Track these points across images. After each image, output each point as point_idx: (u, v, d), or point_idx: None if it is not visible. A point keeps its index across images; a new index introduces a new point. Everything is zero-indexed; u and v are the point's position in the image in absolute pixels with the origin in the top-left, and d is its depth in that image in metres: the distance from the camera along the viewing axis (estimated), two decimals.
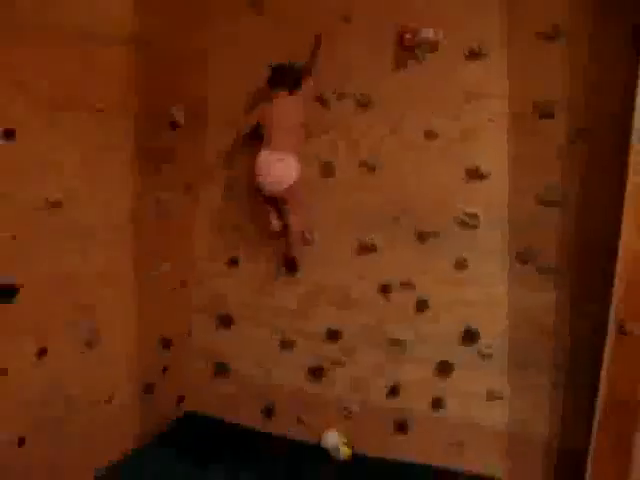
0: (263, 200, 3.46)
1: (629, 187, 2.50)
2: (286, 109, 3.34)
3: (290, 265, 3.63)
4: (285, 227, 3.47)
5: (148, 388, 3.54)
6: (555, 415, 3.21)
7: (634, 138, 2.48)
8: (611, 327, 2.57)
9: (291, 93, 3.35)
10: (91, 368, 3.10)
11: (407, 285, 3.40)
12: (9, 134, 2.51)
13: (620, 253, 2.52)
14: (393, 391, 3.49)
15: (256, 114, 3.47)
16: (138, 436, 3.52)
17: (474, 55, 3.19)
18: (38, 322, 2.76)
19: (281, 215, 3.48)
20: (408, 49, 3.27)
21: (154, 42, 3.25)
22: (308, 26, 3.42)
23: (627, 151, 2.52)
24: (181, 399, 3.92)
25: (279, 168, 3.30)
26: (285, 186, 3.32)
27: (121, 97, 3.08)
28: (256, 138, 3.42)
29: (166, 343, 3.67)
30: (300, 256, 3.61)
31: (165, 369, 3.70)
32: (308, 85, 3.37)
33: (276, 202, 3.45)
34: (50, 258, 2.79)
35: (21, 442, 2.70)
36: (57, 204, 2.78)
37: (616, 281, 2.54)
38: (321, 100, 3.46)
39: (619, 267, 2.53)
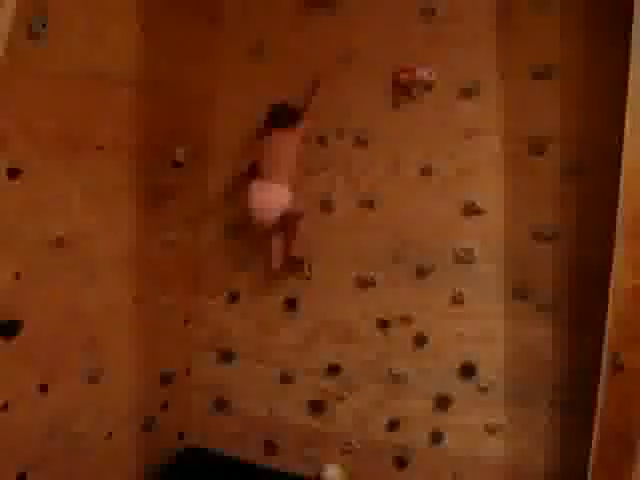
0: (261, 232, 3.55)
1: (619, 222, 2.53)
2: (279, 143, 3.44)
3: (291, 263, 3.64)
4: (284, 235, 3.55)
5: (149, 423, 3.55)
6: (554, 448, 3.21)
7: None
8: (605, 360, 2.59)
9: (286, 129, 3.43)
10: (93, 403, 3.11)
11: (406, 320, 3.43)
12: (14, 172, 2.56)
13: (612, 287, 2.55)
14: (393, 425, 3.50)
15: (253, 152, 3.56)
16: (139, 471, 3.51)
17: (469, 93, 3.27)
18: (41, 357, 2.78)
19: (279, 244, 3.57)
20: (404, 88, 3.36)
21: (158, 83, 3.33)
22: (308, 67, 3.54)
23: (618, 186, 2.56)
24: (182, 434, 3.92)
25: (265, 197, 3.39)
26: (274, 214, 3.40)
27: (125, 136, 3.15)
28: (253, 176, 3.50)
29: (167, 378, 3.69)
30: (300, 292, 3.66)
31: (166, 404, 3.71)
32: (305, 123, 3.45)
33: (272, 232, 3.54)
34: (53, 294, 2.82)
35: (22, 477, 2.69)
36: (61, 241, 2.83)
37: (609, 315, 2.57)
38: (320, 138, 3.54)
39: (611, 301, 2.55)
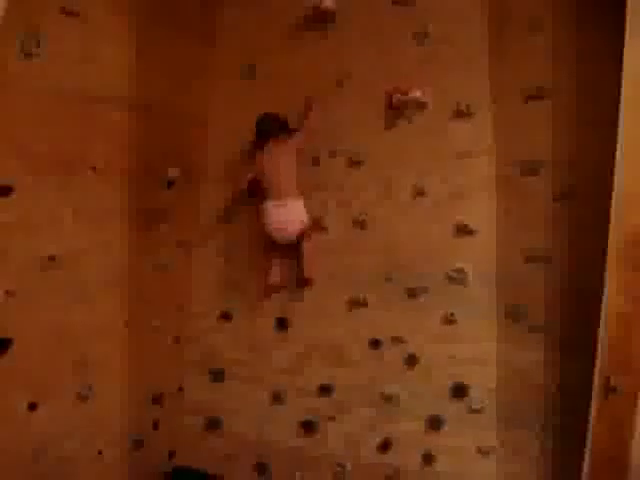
0: (271, 249, 3.55)
1: (610, 246, 2.54)
2: (278, 156, 3.44)
3: (304, 284, 3.62)
4: (299, 256, 3.52)
5: (139, 443, 3.53)
6: (545, 471, 3.19)
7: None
8: (596, 383, 2.59)
9: (279, 140, 3.45)
10: (82, 423, 3.10)
11: (397, 341, 3.41)
12: (6, 190, 2.57)
13: (603, 311, 2.55)
14: (385, 447, 3.48)
15: (251, 169, 3.56)
16: None
17: (461, 115, 3.28)
18: (30, 375, 2.78)
19: (284, 264, 3.58)
20: (397, 109, 3.37)
21: (152, 104, 3.34)
22: (301, 89, 3.56)
23: (609, 210, 2.57)
24: (172, 454, 3.89)
25: (283, 214, 3.40)
26: (297, 231, 3.42)
27: (118, 157, 3.17)
28: (252, 195, 3.52)
29: (158, 398, 3.67)
30: (292, 312, 3.66)
31: (156, 424, 3.69)
32: (299, 137, 3.48)
33: (285, 250, 3.54)
34: (44, 313, 2.83)
35: None
36: (52, 260, 2.83)
37: (600, 338, 2.57)
38: (313, 159, 3.56)
39: (602, 324, 2.55)
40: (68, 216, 2.91)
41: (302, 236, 3.46)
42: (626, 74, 2.51)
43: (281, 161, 3.43)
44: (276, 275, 3.59)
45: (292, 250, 3.54)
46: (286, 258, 3.60)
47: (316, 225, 3.55)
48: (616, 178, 2.54)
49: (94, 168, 3.01)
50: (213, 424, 3.87)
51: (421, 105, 3.34)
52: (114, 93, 3.10)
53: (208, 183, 3.87)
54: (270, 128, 3.46)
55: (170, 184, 3.55)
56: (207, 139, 3.85)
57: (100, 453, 3.25)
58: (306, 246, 3.49)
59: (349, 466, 3.56)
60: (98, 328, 3.15)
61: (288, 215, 3.41)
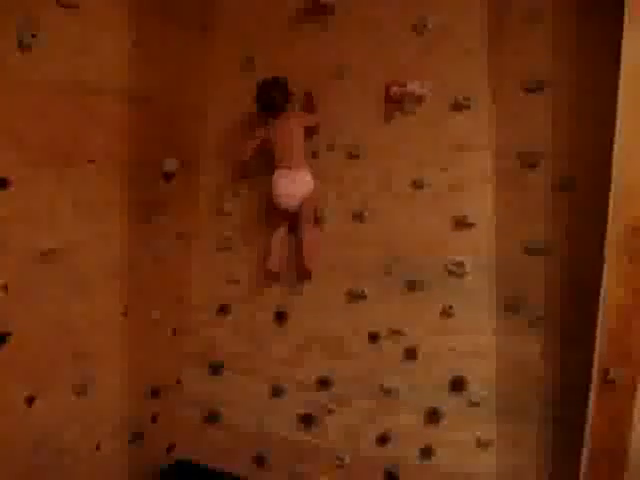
0: (279, 219, 3.58)
1: (609, 237, 2.54)
2: (288, 129, 3.44)
3: (305, 276, 3.64)
4: (300, 242, 3.54)
5: (138, 436, 3.54)
6: (545, 463, 3.19)
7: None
8: (595, 376, 2.58)
9: (289, 114, 3.48)
10: (81, 416, 3.11)
11: (397, 333, 3.41)
12: (3, 182, 2.56)
13: (602, 303, 2.55)
14: (384, 440, 3.48)
15: (258, 137, 3.56)
16: None
17: (460, 107, 3.27)
18: (28, 369, 2.78)
19: (284, 250, 3.60)
20: (396, 102, 3.36)
21: (150, 95, 3.34)
22: (299, 82, 3.54)
23: (608, 200, 2.57)
24: (172, 447, 3.90)
25: (290, 184, 3.42)
26: (298, 200, 3.43)
27: (117, 149, 3.17)
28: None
29: (156, 391, 3.68)
30: (291, 305, 3.66)
31: (155, 417, 3.69)
32: (314, 118, 3.52)
33: (291, 220, 3.56)
34: (42, 305, 2.82)
35: None
36: (51, 252, 2.83)
37: (599, 330, 2.57)
38: (312, 153, 3.56)
39: (601, 316, 2.55)
40: (66, 208, 2.90)
41: (302, 208, 3.46)
42: (625, 65, 2.50)
43: (291, 133, 3.44)
44: (275, 259, 3.58)
45: (293, 232, 3.59)
46: (286, 246, 3.62)
47: (316, 217, 3.55)
48: (615, 169, 2.54)
49: (92, 160, 3.01)
50: (212, 417, 3.88)
51: (420, 97, 3.33)
52: (112, 85, 3.10)
53: (207, 175, 3.87)
54: (276, 102, 3.45)
55: (169, 176, 3.55)
56: (206, 131, 3.85)
57: (98, 446, 3.25)
58: (307, 237, 3.48)
59: (348, 459, 3.56)
60: (97, 320, 3.15)
61: (295, 184, 3.43)
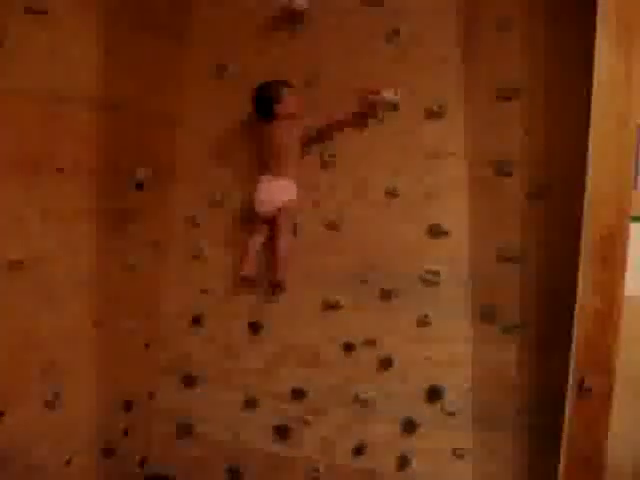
0: (257, 225, 3.51)
1: (584, 245, 2.54)
2: (279, 136, 3.39)
3: (275, 287, 3.59)
4: (273, 251, 3.48)
5: (109, 451, 3.47)
6: (522, 472, 3.19)
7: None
8: (571, 383, 2.58)
9: (281, 121, 3.40)
10: (50, 431, 3.04)
11: (372, 343, 3.39)
12: None
13: (577, 311, 2.55)
14: (359, 450, 3.45)
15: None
16: None
17: (434, 115, 3.27)
18: None
19: (263, 248, 3.54)
20: (369, 110, 3.35)
21: (121, 103, 3.29)
22: None
23: (582, 208, 2.57)
24: (144, 461, 3.83)
25: (270, 189, 3.39)
26: (276, 206, 3.38)
27: (86, 157, 3.11)
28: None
29: (128, 403, 3.61)
30: (265, 315, 3.62)
31: (127, 430, 3.63)
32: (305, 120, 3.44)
33: (267, 228, 3.50)
34: (9, 317, 2.76)
35: None
36: (18, 264, 2.77)
37: (575, 339, 2.57)
38: None
39: (577, 324, 2.55)
40: (34, 218, 2.84)
41: (279, 215, 3.41)
42: (596, 73, 2.51)
43: (284, 141, 3.39)
44: (251, 265, 3.52)
45: (269, 241, 3.52)
46: (262, 253, 3.56)
47: (293, 214, 3.51)
48: (588, 177, 2.55)
49: (61, 169, 2.95)
50: (185, 430, 3.81)
51: (394, 104, 3.32)
52: (82, 93, 3.05)
53: (178, 183, 3.81)
54: (271, 111, 3.39)
55: (139, 185, 3.50)
56: (177, 139, 3.80)
57: (69, 461, 3.18)
58: (281, 246, 3.44)
59: (323, 469, 3.53)
60: (67, 332, 3.09)
61: (274, 191, 3.39)
